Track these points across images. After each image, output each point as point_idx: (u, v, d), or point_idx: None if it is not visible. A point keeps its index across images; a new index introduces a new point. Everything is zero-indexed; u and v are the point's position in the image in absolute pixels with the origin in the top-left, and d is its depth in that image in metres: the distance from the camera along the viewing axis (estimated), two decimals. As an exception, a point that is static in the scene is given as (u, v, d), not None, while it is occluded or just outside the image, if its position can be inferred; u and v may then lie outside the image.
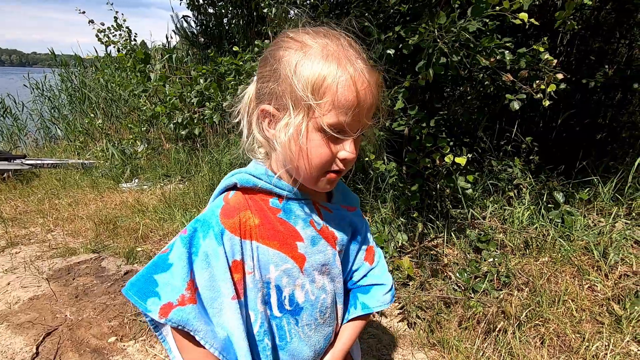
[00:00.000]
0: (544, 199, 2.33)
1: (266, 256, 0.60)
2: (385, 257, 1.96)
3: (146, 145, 4.39)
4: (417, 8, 2.08)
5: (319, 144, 0.53)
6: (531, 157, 3.00)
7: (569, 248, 1.83)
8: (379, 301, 0.72)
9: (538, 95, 1.76)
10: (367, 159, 2.23)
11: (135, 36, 4.65)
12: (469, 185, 2.14)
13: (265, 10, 2.69)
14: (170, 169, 3.81)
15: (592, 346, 1.28)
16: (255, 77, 0.60)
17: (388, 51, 2.09)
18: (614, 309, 1.44)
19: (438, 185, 2.27)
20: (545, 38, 2.02)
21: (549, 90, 1.76)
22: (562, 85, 2.40)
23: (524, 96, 2.09)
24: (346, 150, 0.55)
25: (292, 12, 2.98)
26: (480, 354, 1.29)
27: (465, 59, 1.56)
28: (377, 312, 1.58)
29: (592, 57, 2.93)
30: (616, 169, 2.62)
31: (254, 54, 2.71)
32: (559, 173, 2.90)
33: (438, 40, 1.57)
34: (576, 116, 3.19)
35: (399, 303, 1.59)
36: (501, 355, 1.26)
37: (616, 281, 1.67)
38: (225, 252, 0.56)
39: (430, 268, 1.89)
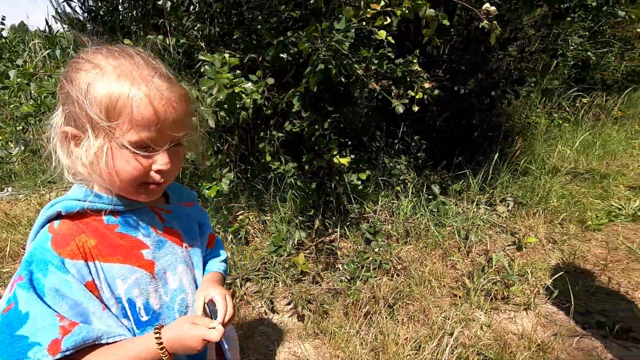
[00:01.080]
0: (424, 192, 2.65)
1: (111, 273, 0.60)
2: (282, 255, 2.03)
3: (22, 148, 3.80)
4: (308, 15, 2.18)
5: (127, 159, 0.55)
6: (419, 155, 3.37)
7: (438, 234, 2.12)
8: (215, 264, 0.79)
9: (417, 95, 1.99)
10: (263, 160, 2.27)
11: (3, 19, 3.99)
12: (359, 182, 2.33)
13: (160, 2, 2.54)
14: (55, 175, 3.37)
15: (448, 317, 1.52)
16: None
17: (282, 55, 2.15)
18: (465, 283, 1.72)
19: (333, 184, 2.42)
20: (417, 51, 2.30)
21: (417, 97, 2.01)
22: (436, 92, 2.74)
23: (407, 100, 2.35)
24: (159, 163, 0.57)
25: (192, 6, 2.86)
26: (358, 336, 1.44)
27: (341, 68, 1.69)
28: (268, 309, 1.64)
29: (463, 68, 3.40)
30: (485, 163, 3.09)
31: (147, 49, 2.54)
32: (443, 167, 3.33)
33: (319, 48, 1.68)
34: (455, 118, 3.67)
35: (290, 299, 1.67)
36: (374, 335, 1.42)
37: (472, 259, 1.99)
38: (76, 277, 0.55)
39: (325, 262, 2.02)
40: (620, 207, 2.84)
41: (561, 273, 1.84)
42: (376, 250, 2.04)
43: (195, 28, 2.49)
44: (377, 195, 2.66)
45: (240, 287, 1.80)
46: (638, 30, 8.32)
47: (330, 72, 1.71)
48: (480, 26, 1.67)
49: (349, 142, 2.87)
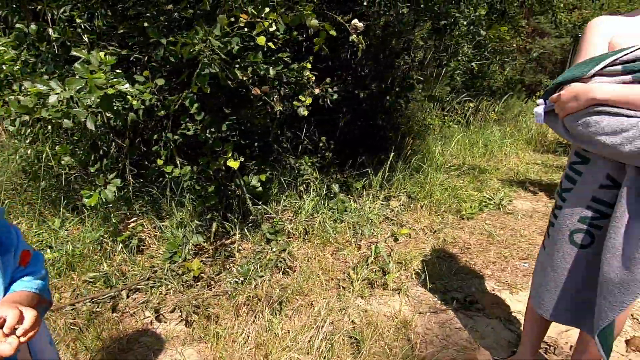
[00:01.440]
0: (326, 191, 2.80)
1: None
2: (177, 262, 1.98)
3: None
4: (199, 15, 2.14)
5: None
6: (326, 154, 3.54)
7: (332, 230, 2.27)
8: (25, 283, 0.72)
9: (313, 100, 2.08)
10: (154, 165, 2.18)
11: None
12: (259, 184, 2.38)
13: (34, -13, 2.27)
14: None
15: (331, 307, 1.64)
16: None
17: (170, 57, 2.08)
18: (350, 275, 1.87)
19: (234, 186, 2.43)
20: (311, 57, 2.42)
21: (307, 102, 2.12)
22: (335, 96, 2.90)
23: (309, 103, 2.46)
24: None
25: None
26: (243, 335, 1.48)
27: (224, 72, 1.71)
28: (154, 319, 1.59)
29: (362, 73, 3.67)
30: (386, 161, 3.36)
31: (10, 39, 2.25)
32: (349, 167, 3.54)
33: (203, 51, 1.68)
34: (359, 120, 3.94)
35: (177, 305, 1.64)
36: (258, 332, 1.47)
37: (362, 252, 2.17)
38: None
39: (221, 265, 2.02)
40: (490, 197, 3.34)
41: (433, 258, 2.11)
42: (273, 249, 2.10)
43: (77, 20, 2.28)
44: (281, 195, 2.73)
45: (127, 297, 1.71)
46: (514, 45, 9.75)
47: (218, 75, 1.72)
48: (350, 39, 1.82)
49: (255, 144, 2.90)
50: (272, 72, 1.98)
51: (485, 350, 1.45)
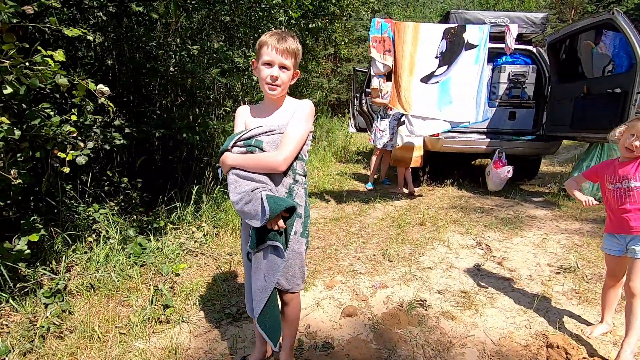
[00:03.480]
0: (121, 236, 2.78)
1: None
2: None
3: None
4: None
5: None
6: (132, 195, 3.46)
7: (121, 278, 2.30)
8: None
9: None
10: None
11: None
12: (26, 247, 2.20)
13: None
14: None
15: (107, 358, 1.70)
16: None
17: None
18: (130, 319, 1.97)
19: (-8, 254, 2.17)
20: (75, 109, 2.41)
21: (68, 158, 2.12)
22: (121, 141, 2.91)
23: (89, 151, 2.40)
24: None
25: None
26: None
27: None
28: None
29: (158, 112, 3.78)
30: (192, 194, 3.51)
31: None
32: (158, 205, 3.54)
33: None
34: (161, 157, 4.00)
35: None
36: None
37: (149, 293, 2.27)
38: None
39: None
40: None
41: (219, 282, 2.40)
42: (47, 315, 2.00)
43: None
44: (67, 251, 2.56)
45: None
46: (319, 72, 11.42)
47: None
48: (100, 102, 1.94)
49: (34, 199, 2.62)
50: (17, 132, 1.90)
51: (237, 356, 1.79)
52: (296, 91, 9.05)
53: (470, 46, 3.62)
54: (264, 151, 1.34)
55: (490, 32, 4.08)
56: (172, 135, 3.52)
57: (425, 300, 2.15)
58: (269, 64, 1.31)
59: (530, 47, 4.79)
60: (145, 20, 3.93)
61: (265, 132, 1.37)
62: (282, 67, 1.30)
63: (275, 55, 1.28)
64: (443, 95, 3.62)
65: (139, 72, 3.74)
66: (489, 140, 4.64)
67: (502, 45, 4.06)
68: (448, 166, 5.82)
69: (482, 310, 2.08)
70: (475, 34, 3.60)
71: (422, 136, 4.21)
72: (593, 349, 1.75)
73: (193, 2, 3.96)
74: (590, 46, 4.08)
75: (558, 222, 3.54)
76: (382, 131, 4.89)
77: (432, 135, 4.53)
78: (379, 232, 3.37)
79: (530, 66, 4.77)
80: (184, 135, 3.52)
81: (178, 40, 4.03)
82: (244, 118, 1.43)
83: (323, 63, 11.13)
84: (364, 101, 6.13)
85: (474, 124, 3.81)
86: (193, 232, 3.23)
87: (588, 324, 1.95)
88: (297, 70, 1.41)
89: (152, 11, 3.95)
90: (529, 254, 2.83)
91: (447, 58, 3.60)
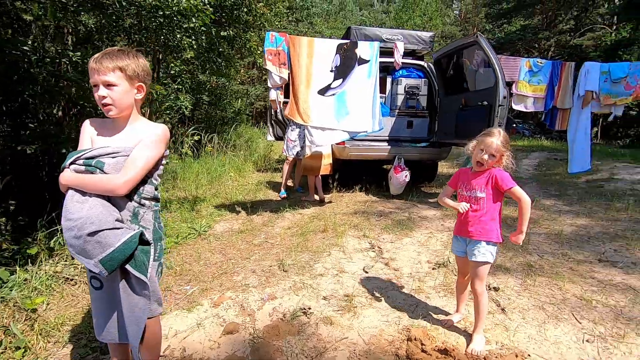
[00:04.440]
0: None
1: None
2: None
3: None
4: None
5: None
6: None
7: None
8: None
9: None
10: None
11: None
12: None
13: None
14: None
15: None
16: None
17: None
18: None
19: None
20: None
21: None
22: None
23: None
24: None
25: None
26: None
27: None
28: None
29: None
30: None
31: None
32: (38, 228, 3.14)
33: None
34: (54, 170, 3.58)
35: None
36: None
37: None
38: None
39: None
40: (195, 228, 3.78)
41: (88, 312, 2.21)
42: None
43: None
44: None
45: None
46: (238, 80, 11.28)
47: None
48: None
49: None
50: None
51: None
52: (215, 99, 8.81)
53: (363, 61, 3.87)
54: (105, 173, 1.28)
55: (385, 48, 4.41)
56: (47, 149, 3.17)
57: (310, 308, 2.23)
58: (96, 87, 1.26)
59: (422, 62, 5.29)
60: (18, 22, 3.51)
61: (109, 154, 1.31)
62: (107, 85, 1.26)
63: (95, 77, 1.24)
64: (340, 106, 3.82)
65: (10, 79, 3.31)
66: (390, 147, 5.00)
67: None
68: (360, 172, 6.14)
69: (360, 311, 2.21)
70: (367, 50, 3.87)
71: (322, 146, 4.38)
72: (447, 337, 1.97)
73: (74, 4, 3.63)
74: (467, 63, 4.65)
75: (444, 221, 3.94)
76: (294, 141, 4.98)
77: (339, 144, 4.75)
78: (282, 242, 3.41)
79: (423, 79, 5.27)
80: (64, 150, 3.19)
81: (57, 45, 3.65)
82: (89, 133, 1.35)
83: (242, 71, 10.99)
84: (279, 110, 6.20)
85: (371, 133, 4.07)
86: (73, 257, 2.93)
87: (448, 314, 2.19)
88: (141, 84, 1.36)
89: (24, 12, 3.54)
90: (414, 253, 3.10)
91: (342, 72, 3.80)
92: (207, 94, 8.97)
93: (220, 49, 7.37)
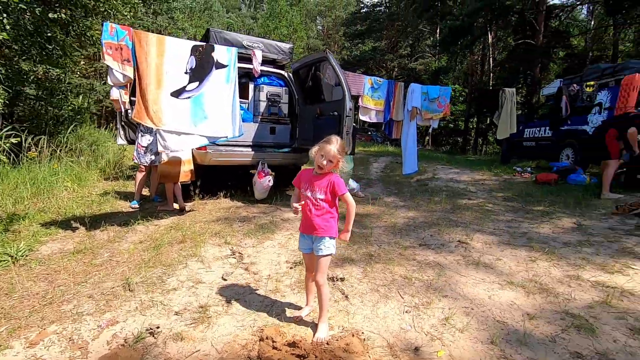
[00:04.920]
0: None
1: None
2: None
3: None
4: None
5: None
6: None
7: None
8: None
9: None
10: None
11: None
12: None
13: None
14: None
15: None
16: None
17: None
18: None
19: None
20: None
21: None
22: None
23: None
24: None
25: None
26: None
27: None
28: None
29: None
30: None
31: None
32: None
33: None
34: None
35: None
36: None
37: None
38: None
39: None
40: (8, 253, 3.02)
41: None
42: None
43: None
44: None
45: None
46: (77, 73, 9.64)
47: None
48: None
49: None
50: None
51: None
52: (46, 94, 7.22)
53: (221, 65, 3.81)
54: None
55: (244, 54, 4.44)
56: None
57: (158, 327, 2.06)
58: None
59: (282, 72, 5.54)
60: None
61: None
62: None
63: None
64: (197, 110, 3.66)
65: None
66: (253, 152, 5.05)
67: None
68: (226, 178, 6.00)
69: (215, 321, 2.17)
70: (224, 55, 3.83)
71: (178, 151, 4.14)
72: (297, 330, 2.11)
73: None
74: (322, 77, 5.10)
75: (304, 222, 4.21)
76: (144, 147, 4.52)
77: (200, 149, 4.54)
78: (130, 258, 3.05)
79: (284, 88, 5.53)
80: None
81: None
82: None
83: (82, 62, 9.35)
84: (128, 110, 5.52)
85: (232, 139, 4.03)
86: None
87: (300, 308, 2.35)
88: None
89: None
90: (274, 255, 3.21)
91: (198, 74, 3.66)
92: (34, 86, 7.35)
93: (50, 34, 6.12)
